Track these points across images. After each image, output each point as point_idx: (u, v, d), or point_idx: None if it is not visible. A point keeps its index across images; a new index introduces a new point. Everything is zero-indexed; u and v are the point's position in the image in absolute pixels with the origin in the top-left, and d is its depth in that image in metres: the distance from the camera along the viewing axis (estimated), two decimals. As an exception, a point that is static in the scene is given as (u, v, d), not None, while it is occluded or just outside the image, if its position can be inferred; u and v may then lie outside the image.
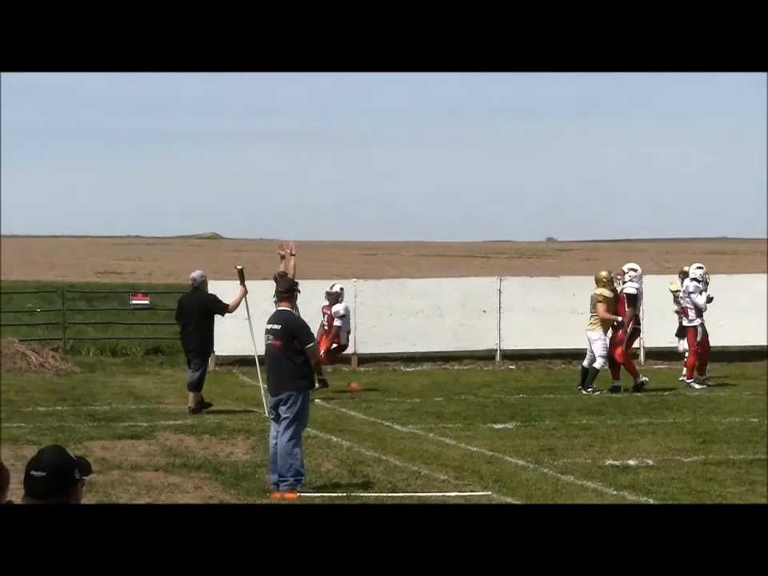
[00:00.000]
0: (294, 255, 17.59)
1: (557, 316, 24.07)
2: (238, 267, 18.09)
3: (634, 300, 19.91)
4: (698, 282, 20.25)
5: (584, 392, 19.53)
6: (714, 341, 21.51)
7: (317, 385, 19.27)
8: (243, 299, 17.67)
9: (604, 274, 19.86)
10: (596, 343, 19.65)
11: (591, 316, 19.82)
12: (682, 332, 21.06)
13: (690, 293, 20.27)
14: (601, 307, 19.49)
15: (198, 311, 17.79)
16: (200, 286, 18.20)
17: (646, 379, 19.96)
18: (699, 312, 20.23)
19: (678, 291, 21.15)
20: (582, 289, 23.55)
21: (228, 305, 17.80)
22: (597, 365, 19.71)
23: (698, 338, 20.28)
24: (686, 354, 20.86)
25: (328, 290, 20.40)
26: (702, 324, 20.28)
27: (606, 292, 19.55)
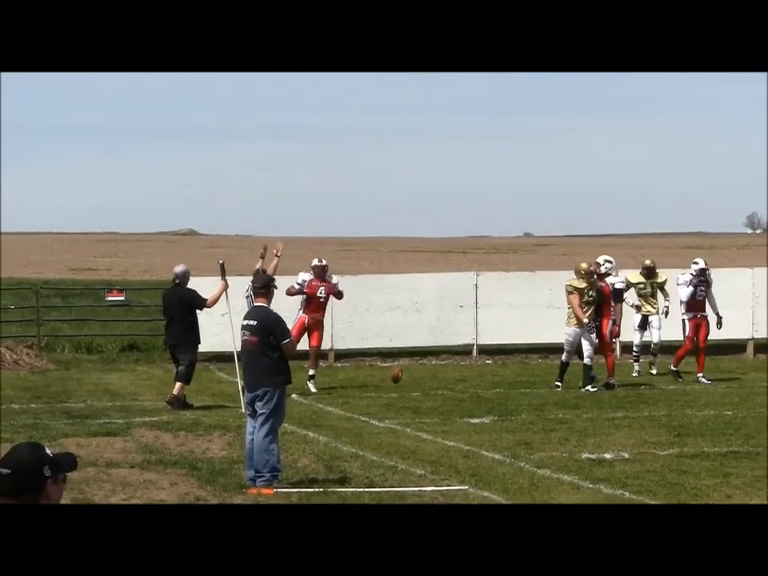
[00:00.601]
0: (278, 256, 17.73)
1: (533, 311, 24.13)
2: (220, 262, 18.14)
3: (622, 294, 19.97)
4: (692, 276, 20.40)
5: (591, 390, 19.10)
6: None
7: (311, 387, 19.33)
8: (224, 294, 17.72)
9: (583, 265, 19.63)
10: (564, 337, 19.52)
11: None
12: (643, 324, 21.20)
13: (678, 284, 20.51)
14: (572, 298, 19.32)
15: (180, 306, 17.85)
16: (182, 282, 18.21)
17: (616, 384, 19.73)
18: (690, 305, 20.32)
19: (639, 284, 21.23)
20: (559, 284, 23.58)
21: (206, 299, 17.84)
22: (563, 357, 19.59)
23: (687, 332, 20.38)
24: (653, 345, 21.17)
25: (317, 263, 19.90)
26: (692, 318, 20.30)
27: (577, 282, 19.35)
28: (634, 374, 21.15)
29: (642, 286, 21.22)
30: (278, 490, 11.89)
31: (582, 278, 19.37)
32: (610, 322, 19.57)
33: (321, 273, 19.85)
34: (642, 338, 21.25)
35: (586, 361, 19.35)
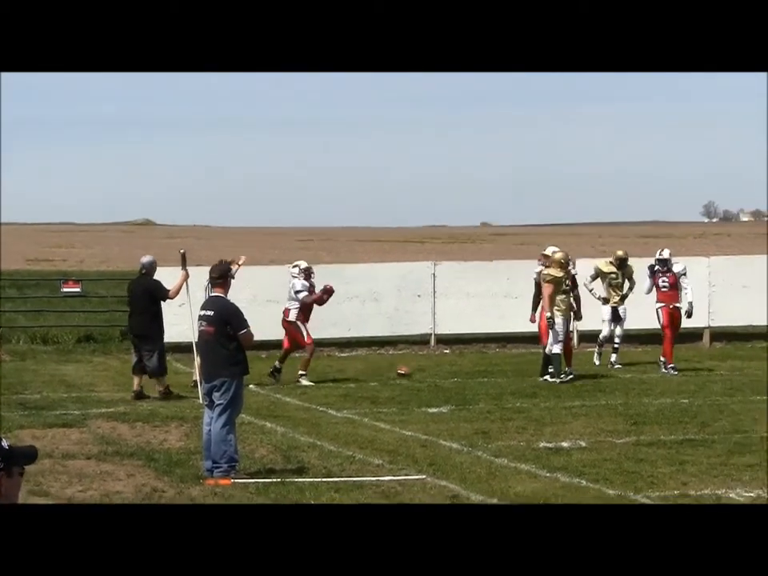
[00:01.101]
0: (239, 265, 17.84)
1: (491, 300, 24.18)
2: (181, 251, 18.06)
3: (576, 282, 19.92)
4: (653, 265, 20.42)
5: (550, 380, 18.95)
6: (649, 323, 21.75)
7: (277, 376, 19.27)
8: (184, 283, 17.69)
9: (558, 255, 19.43)
10: (551, 328, 19.29)
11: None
12: (615, 316, 21.14)
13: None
14: (547, 288, 19.12)
15: (144, 297, 17.81)
16: (148, 272, 18.15)
17: (573, 375, 19.70)
18: (658, 296, 20.33)
19: (611, 273, 21.19)
20: (516, 273, 23.69)
21: (170, 290, 17.80)
22: (555, 350, 19.25)
23: (660, 321, 20.36)
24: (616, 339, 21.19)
25: (307, 264, 19.74)
26: (663, 307, 20.29)
27: (554, 271, 19.16)
28: (597, 363, 21.09)
29: (614, 276, 21.16)
30: (236, 480, 11.86)
31: (560, 267, 19.26)
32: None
33: (310, 273, 19.72)
34: (610, 328, 21.15)
35: (548, 350, 19.29)
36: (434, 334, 24.52)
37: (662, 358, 20.48)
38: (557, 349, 19.17)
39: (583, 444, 13.70)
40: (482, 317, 24.14)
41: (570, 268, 19.45)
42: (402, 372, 20.12)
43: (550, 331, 19.23)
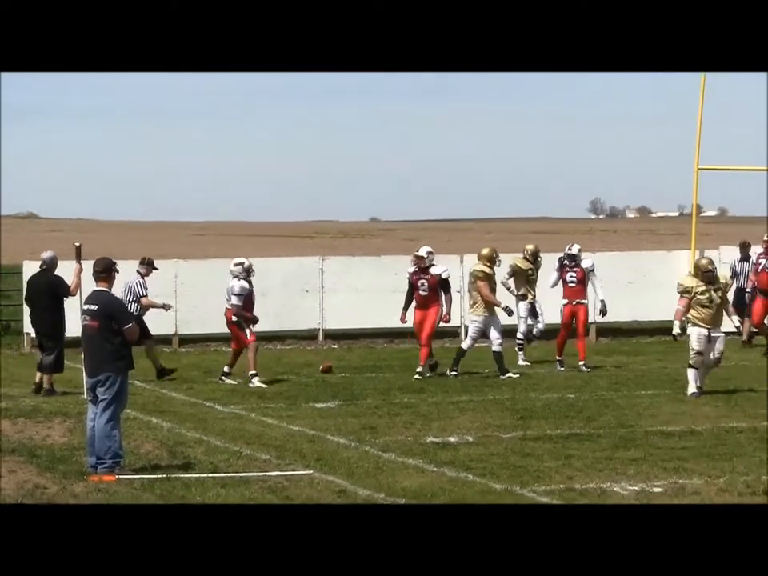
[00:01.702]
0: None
1: (379, 295, 24.21)
2: (76, 245, 17.77)
3: (449, 283, 19.62)
4: (562, 258, 20.41)
5: (503, 377, 18.80)
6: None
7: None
8: (79, 277, 17.47)
9: (486, 251, 19.39)
10: (471, 324, 19.31)
11: (471, 296, 19.33)
12: (533, 312, 21.10)
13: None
14: (481, 284, 19.06)
15: (46, 294, 17.59)
16: (49, 268, 17.93)
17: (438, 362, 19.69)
18: (565, 291, 20.31)
19: (528, 270, 21.09)
20: (404, 268, 23.68)
21: (70, 287, 17.55)
22: (465, 344, 19.28)
23: (561, 318, 20.34)
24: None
25: (247, 264, 18.96)
26: (566, 305, 20.24)
27: (487, 269, 19.14)
28: (522, 362, 20.84)
29: (531, 272, 21.13)
30: (120, 476, 11.72)
31: (489, 262, 19.23)
32: (440, 310, 19.31)
33: (250, 271, 19.01)
34: (527, 324, 21.08)
35: (497, 348, 19.11)
36: (322, 329, 24.52)
37: (580, 361, 20.25)
38: (466, 344, 19.25)
39: (470, 439, 13.77)
40: (370, 312, 24.17)
41: (423, 271, 19.33)
42: (326, 368, 19.94)
43: (470, 326, 19.27)
